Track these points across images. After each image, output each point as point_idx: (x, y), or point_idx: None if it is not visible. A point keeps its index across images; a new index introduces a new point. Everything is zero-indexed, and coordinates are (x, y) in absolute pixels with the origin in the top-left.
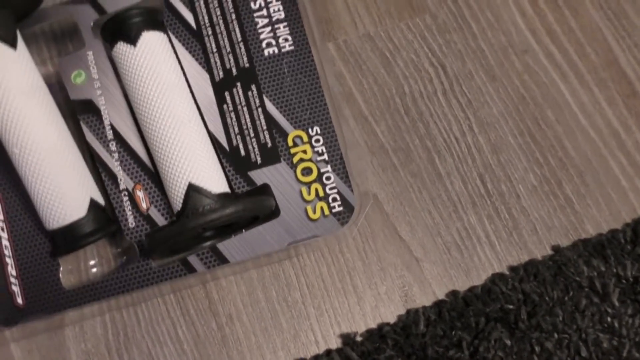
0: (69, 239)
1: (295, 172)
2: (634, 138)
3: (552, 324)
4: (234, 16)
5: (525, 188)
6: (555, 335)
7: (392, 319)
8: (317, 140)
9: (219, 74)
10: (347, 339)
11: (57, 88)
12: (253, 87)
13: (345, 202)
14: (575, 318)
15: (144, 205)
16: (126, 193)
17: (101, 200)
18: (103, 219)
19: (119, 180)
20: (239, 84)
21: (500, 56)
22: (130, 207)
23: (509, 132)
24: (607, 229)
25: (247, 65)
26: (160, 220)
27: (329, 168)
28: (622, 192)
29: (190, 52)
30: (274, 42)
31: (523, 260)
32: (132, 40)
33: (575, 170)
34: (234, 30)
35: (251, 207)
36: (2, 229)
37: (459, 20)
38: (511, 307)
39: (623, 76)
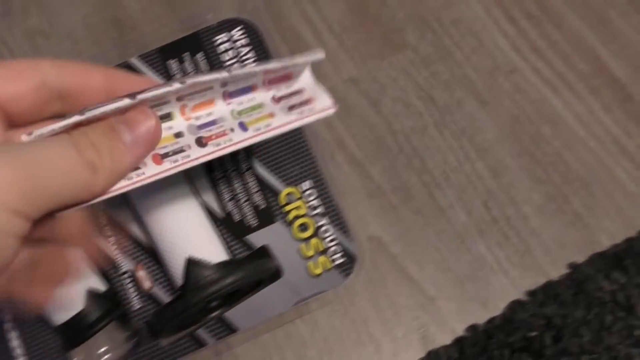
0: (74, 331)
1: (291, 229)
2: (635, 141)
3: (579, 345)
4: None
5: (532, 208)
6: (584, 357)
7: None
8: (310, 195)
9: None
10: None
11: None
12: (240, 150)
13: (346, 252)
14: (602, 336)
15: (146, 285)
16: (128, 275)
17: (101, 287)
18: (106, 306)
19: (119, 263)
20: None
21: (488, 80)
22: (133, 289)
23: (507, 154)
24: (621, 239)
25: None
26: (164, 297)
27: (325, 220)
28: (632, 198)
29: None
30: None
31: (540, 283)
32: None
33: (580, 183)
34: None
35: (252, 272)
36: (12, 329)
37: (441, 50)
38: (534, 333)
39: (615, 81)
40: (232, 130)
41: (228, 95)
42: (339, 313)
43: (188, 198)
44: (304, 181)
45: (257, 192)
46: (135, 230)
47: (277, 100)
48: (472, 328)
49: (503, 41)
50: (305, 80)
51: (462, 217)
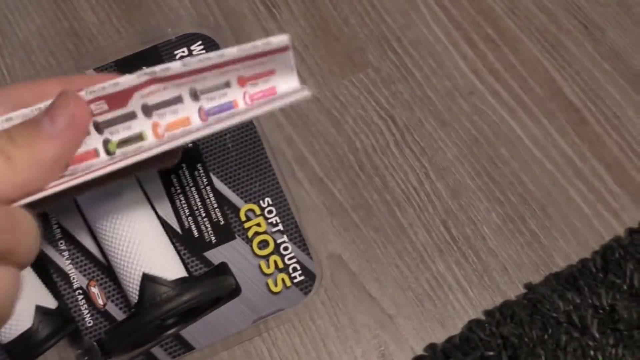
0: (23, 349)
1: (251, 246)
2: (589, 164)
3: None
4: None
5: (490, 229)
6: None
7: None
8: (270, 211)
9: None
10: None
11: None
12: (199, 166)
13: (305, 270)
14: (557, 356)
15: (100, 302)
16: (80, 291)
17: (51, 304)
18: (56, 323)
19: (71, 279)
20: (184, 165)
21: (448, 101)
22: (86, 306)
23: (466, 174)
24: (576, 259)
25: (190, 145)
26: (119, 314)
27: (285, 238)
28: (586, 219)
29: None
30: None
31: (497, 303)
32: None
33: (536, 204)
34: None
35: (210, 289)
36: None
37: (402, 70)
38: (491, 353)
39: (570, 105)
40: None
41: (205, 114)
42: (298, 331)
43: (145, 212)
44: (264, 198)
45: (216, 208)
46: (89, 244)
47: (248, 100)
48: (431, 347)
49: (462, 63)
50: (286, 84)
51: (422, 236)
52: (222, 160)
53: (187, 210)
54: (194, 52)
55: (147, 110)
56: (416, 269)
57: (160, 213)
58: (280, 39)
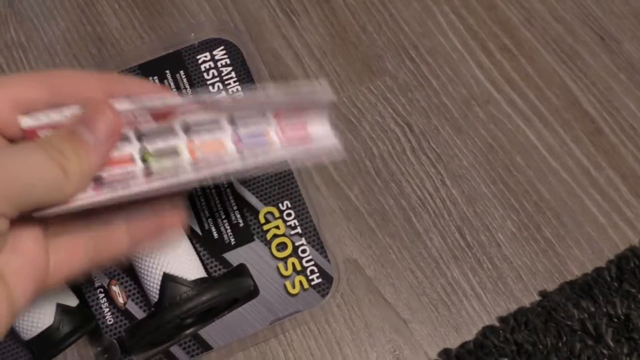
0: (44, 346)
1: (270, 248)
2: (605, 174)
3: None
4: None
5: (505, 236)
6: None
7: None
8: (289, 214)
9: None
10: None
11: None
12: None
13: (323, 273)
14: None
15: (120, 301)
16: (102, 290)
17: (72, 302)
18: (76, 321)
19: (93, 277)
20: None
21: (464, 109)
22: (107, 304)
23: (481, 182)
24: (591, 268)
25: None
26: (139, 313)
27: (303, 241)
28: (601, 229)
29: None
30: None
31: (512, 309)
32: None
33: (552, 212)
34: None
35: (229, 290)
36: None
37: (419, 78)
38: (505, 359)
39: (585, 115)
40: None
41: (238, 140)
42: (314, 334)
43: None
44: (283, 201)
45: (236, 210)
46: None
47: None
48: (445, 352)
49: (479, 72)
50: (319, 127)
51: (437, 242)
52: None
53: (207, 212)
54: (216, 57)
55: (186, 128)
56: (431, 275)
57: None
58: (325, 93)
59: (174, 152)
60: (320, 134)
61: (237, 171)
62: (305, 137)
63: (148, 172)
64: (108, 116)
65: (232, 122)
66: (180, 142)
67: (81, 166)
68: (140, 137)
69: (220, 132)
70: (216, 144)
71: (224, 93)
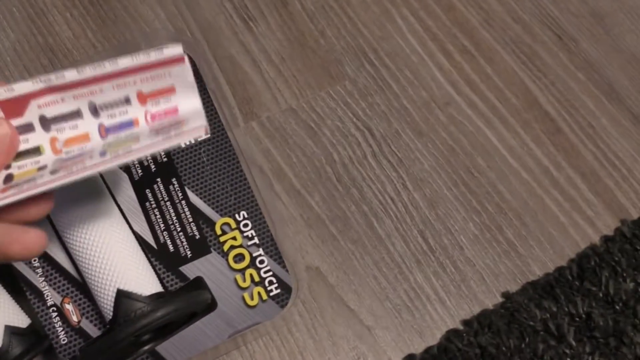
0: None
1: (227, 260)
2: (565, 173)
3: None
4: None
5: (467, 238)
6: None
7: None
8: (246, 225)
9: (138, 173)
10: None
11: None
12: (174, 180)
13: (281, 283)
14: None
15: (74, 319)
16: (54, 309)
17: (23, 323)
18: (27, 342)
19: (45, 296)
20: (159, 180)
21: (424, 111)
22: (60, 323)
23: (443, 184)
24: (553, 268)
25: (165, 159)
26: (94, 331)
27: (261, 251)
28: (562, 228)
29: None
30: None
31: (475, 312)
32: None
33: (513, 213)
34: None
35: (185, 304)
36: None
37: (379, 82)
38: None
39: (545, 115)
40: (90, 157)
41: (105, 131)
42: (276, 344)
43: (119, 227)
44: (240, 211)
45: (191, 222)
46: (63, 260)
47: (149, 119)
48: (409, 358)
49: (438, 74)
50: (188, 102)
51: (399, 246)
52: (197, 174)
53: (162, 225)
54: None
55: (46, 123)
56: (394, 280)
57: (135, 228)
58: (174, 49)
59: (36, 152)
60: (190, 109)
61: (107, 168)
62: (177, 120)
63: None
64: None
65: (95, 112)
66: (43, 141)
67: None
68: None
69: (84, 126)
70: (81, 137)
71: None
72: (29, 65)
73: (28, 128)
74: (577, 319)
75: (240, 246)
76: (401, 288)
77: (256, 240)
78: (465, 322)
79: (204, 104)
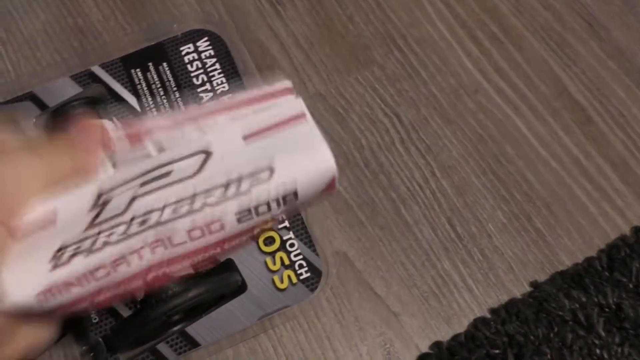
0: None
1: (257, 243)
2: (595, 163)
3: None
4: (177, 94)
5: (495, 226)
6: None
7: None
8: None
9: None
10: None
11: None
12: None
13: (312, 267)
14: (563, 354)
15: None
16: None
17: None
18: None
19: None
20: None
21: (453, 98)
22: None
23: (471, 172)
24: (582, 258)
25: None
26: (125, 310)
27: (291, 234)
28: (592, 218)
29: None
30: None
31: (503, 301)
32: None
33: (542, 202)
34: (180, 108)
35: (216, 286)
36: None
37: (407, 68)
38: (497, 351)
39: (575, 104)
40: None
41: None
42: (304, 328)
43: None
44: None
45: None
46: None
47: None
48: (437, 345)
49: (467, 61)
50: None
51: (427, 233)
52: None
53: None
54: (200, 48)
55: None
56: (421, 267)
57: None
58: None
59: None
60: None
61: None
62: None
63: None
64: None
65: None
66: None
67: None
68: None
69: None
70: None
71: (208, 86)
72: (60, 47)
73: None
74: (607, 309)
75: (271, 229)
76: (428, 275)
77: (287, 223)
78: (493, 311)
79: (236, 87)
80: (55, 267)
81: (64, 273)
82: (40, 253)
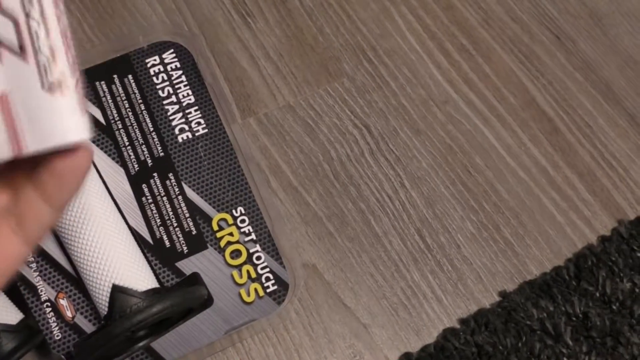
0: None
1: (224, 256)
2: (562, 173)
3: None
4: (142, 107)
5: (464, 237)
6: None
7: None
8: (243, 221)
9: (134, 167)
10: None
11: None
12: (170, 175)
13: (278, 279)
14: None
15: (69, 314)
16: (48, 304)
17: (13, 319)
18: (19, 338)
19: (39, 291)
20: (155, 175)
21: (422, 110)
22: (54, 318)
23: (440, 183)
24: (550, 267)
25: (162, 154)
26: (88, 327)
27: (258, 247)
28: (559, 227)
29: (102, 148)
30: (186, 127)
31: (472, 311)
32: None
33: (510, 212)
34: (145, 121)
35: (181, 300)
36: None
37: (377, 79)
38: None
39: (543, 114)
40: None
41: None
42: (272, 341)
43: (114, 222)
44: (237, 207)
45: (188, 217)
46: (58, 255)
47: None
48: (406, 356)
49: (436, 72)
50: None
51: (396, 244)
52: (194, 170)
53: (158, 220)
54: (166, 60)
55: None
56: (391, 278)
57: (131, 223)
58: None
59: None
60: None
61: None
62: None
63: None
64: None
65: None
66: None
67: None
68: None
69: None
70: None
71: (173, 98)
72: None
73: None
74: (574, 318)
75: (237, 242)
76: (398, 286)
77: (253, 236)
78: (462, 321)
79: (202, 99)
80: None
81: None
82: None
